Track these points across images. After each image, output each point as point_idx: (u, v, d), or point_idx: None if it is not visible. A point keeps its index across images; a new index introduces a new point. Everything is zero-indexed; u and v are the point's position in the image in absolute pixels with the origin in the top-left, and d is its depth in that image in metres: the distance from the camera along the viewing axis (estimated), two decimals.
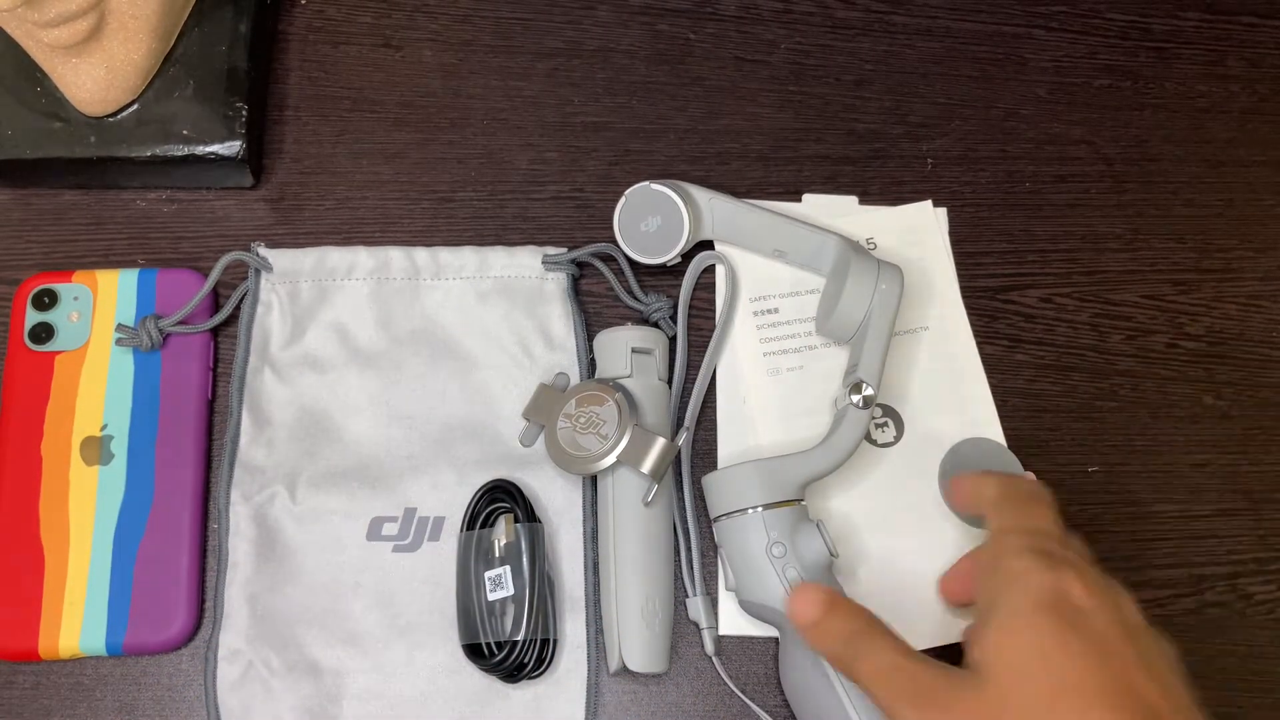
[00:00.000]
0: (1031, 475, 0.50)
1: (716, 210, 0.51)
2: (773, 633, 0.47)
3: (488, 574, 0.45)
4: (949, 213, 0.55)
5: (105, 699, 0.46)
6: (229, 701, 0.45)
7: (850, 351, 0.49)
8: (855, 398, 0.46)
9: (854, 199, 0.55)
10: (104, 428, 0.47)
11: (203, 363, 0.49)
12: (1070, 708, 0.32)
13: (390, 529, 0.47)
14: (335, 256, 0.50)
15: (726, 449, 0.50)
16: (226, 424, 0.48)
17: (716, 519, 0.46)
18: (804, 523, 0.44)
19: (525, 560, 0.45)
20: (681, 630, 0.48)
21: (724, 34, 0.58)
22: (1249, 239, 0.56)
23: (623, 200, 0.50)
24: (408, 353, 0.50)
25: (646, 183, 0.50)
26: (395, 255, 0.50)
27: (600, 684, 0.46)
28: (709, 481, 0.46)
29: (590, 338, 0.50)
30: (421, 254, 0.50)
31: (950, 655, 0.47)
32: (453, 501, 0.47)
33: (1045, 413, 0.52)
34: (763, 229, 0.51)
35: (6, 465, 0.47)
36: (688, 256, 0.52)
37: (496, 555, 0.45)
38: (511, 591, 0.45)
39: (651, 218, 0.49)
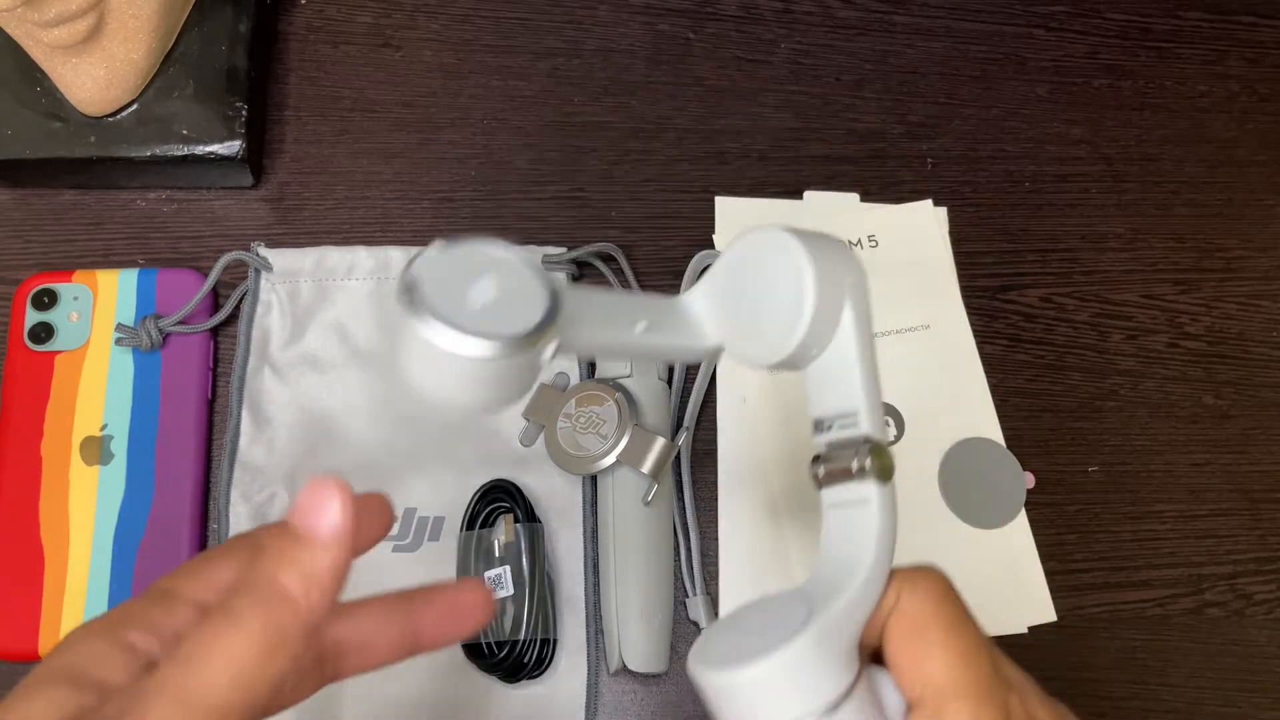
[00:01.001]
0: (1030, 476, 0.50)
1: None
2: None
3: (487, 574, 0.45)
4: (949, 212, 0.55)
5: None
6: None
7: (813, 387, 0.30)
8: (866, 463, 0.28)
9: (855, 196, 0.55)
10: (104, 427, 0.47)
11: (202, 362, 0.49)
12: None
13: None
14: (335, 256, 0.50)
15: (726, 449, 0.50)
16: (226, 424, 0.48)
17: None
18: (870, 708, 0.27)
19: (525, 560, 0.45)
20: (681, 630, 0.48)
21: (724, 33, 0.58)
22: (1249, 238, 0.56)
23: (420, 261, 0.25)
24: None
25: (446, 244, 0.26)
26: (395, 255, 0.50)
27: (600, 684, 0.46)
28: (716, 685, 0.26)
29: None
30: None
31: None
32: (452, 501, 0.47)
33: (1045, 412, 0.52)
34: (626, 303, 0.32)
35: (6, 465, 0.47)
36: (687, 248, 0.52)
37: (496, 555, 0.45)
38: (511, 591, 0.45)
39: (482, 280, 0.26)
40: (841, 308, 0.29)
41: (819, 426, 0.30)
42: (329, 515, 0.23)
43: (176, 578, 0.26)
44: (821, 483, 0.29)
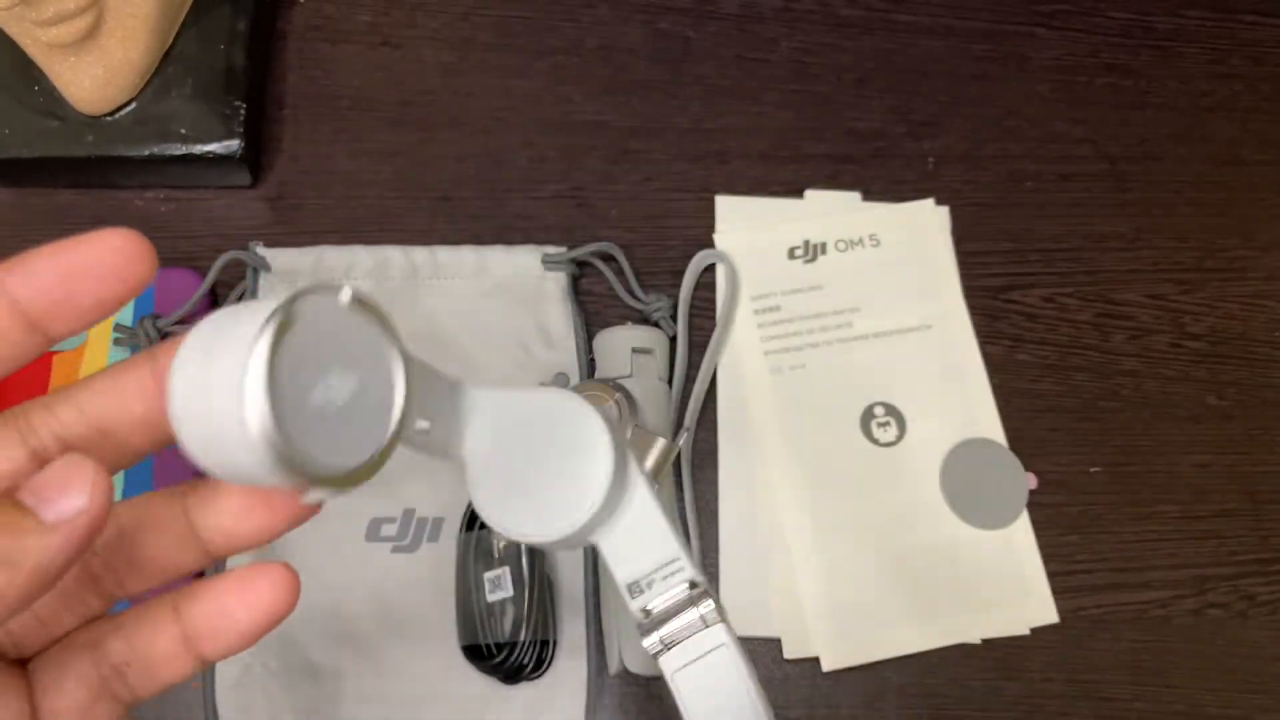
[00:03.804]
0: (1033, 477, 0.50)
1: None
2: (774, 634, 0.47)
3: (487, 575, 0.45)
4: (951, 211, 0.55)
5: None
6: (227, 702, 0.44)
7: (614, 552, 0.27)
8: (709, 610, 0.28)
9: (857, 195, 0.54)
10: None
11: None
12: None
13: (389, 530, 0.47)
14: (334, 256, 0.50)
15: (727, 449, 0.50)
16: None
17: None
18: None
19: (524, 561, 0.45)
20: None
21: (725, 32, 0.57)
22: (1252, 238, 0.56)
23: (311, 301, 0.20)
24: None
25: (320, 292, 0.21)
26: (394, 255, 0.50)
27: (600, 685, 0.46)
28: None
29: (590, 337, 0.50)
30: (420, 253, 0.50)
31: (953, 656, 0.47)
32: (451, 502, 0.47)
33: (1047, 413, 0.52)
34: None
35: None
36: (688, 257, 0.51)
37: (496, 556, 0.45)
38: (511, 593, 0.44)
39: (334, 377, 0.21)
40: (629, 470, 0.26)
41: (634, 590, 0.27)
42: (65, 503, 0.18)
43: None
44: (666, 648, 0.27)
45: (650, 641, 0.27)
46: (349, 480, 0.20)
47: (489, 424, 0.26)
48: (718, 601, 0.27)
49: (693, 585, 0.27)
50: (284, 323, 0.19)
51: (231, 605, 0.23)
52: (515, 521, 0.25)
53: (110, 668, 0.22)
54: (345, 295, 0.21)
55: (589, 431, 0.26)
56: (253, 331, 0.18)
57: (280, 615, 0.24)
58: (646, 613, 0.27)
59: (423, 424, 0.23)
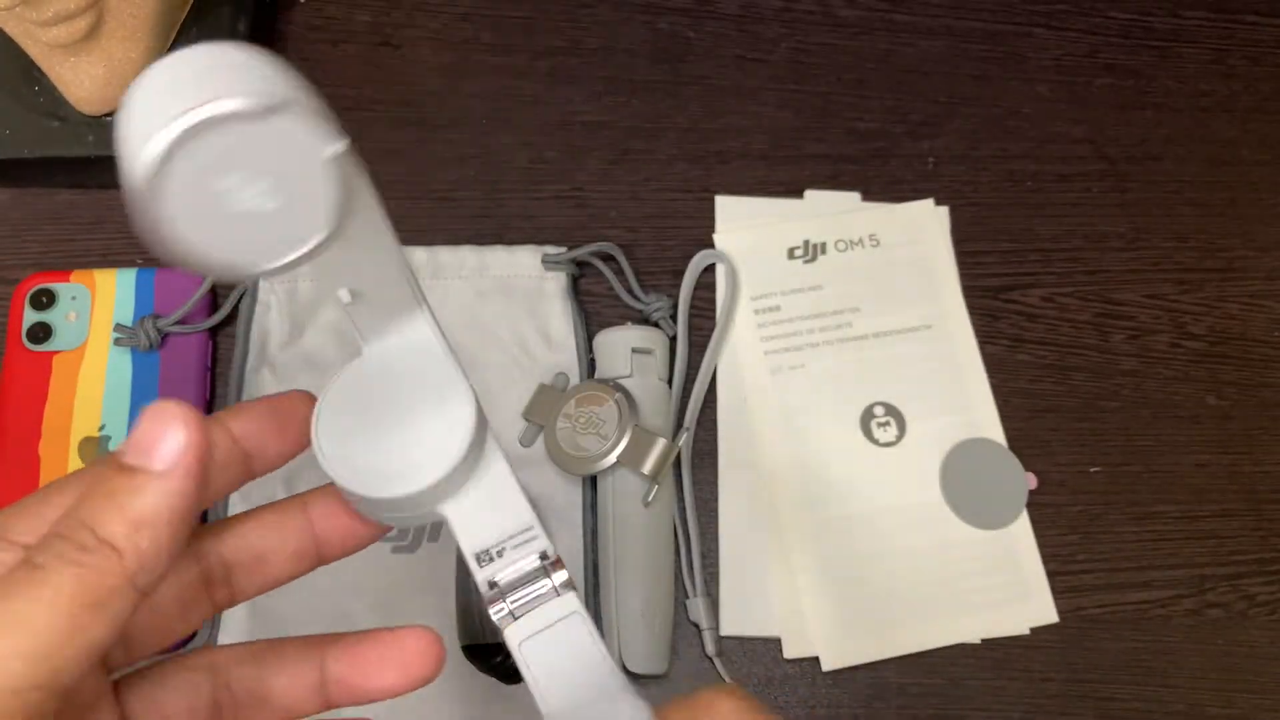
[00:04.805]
0: (1032, 477, 0.50)
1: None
2: (774, 634, 0.47)
3: None
4: (950, 211, 0.55)
5: None
6: None
7: (465, 520, 0.27)
8: (560, 580, 0.26)
9: (856, 195, 0.55)
10: (102, 428, 0.47)
11: (201, 363, 0.49)
12: None
13: None
14: None
15: (727, 449, 0.50)
16: None
17: None
18: None
19: None
20: (681, 631, 0.47)
21: (724, 32, 0.57)
22: (1252, 238, 0.56)
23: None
24: None
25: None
26: None
27: None
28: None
29: (590, 337, 0.50)
30: (420, 253, 0.50)
31: (953, 656, 0.47)
32: None
33: (1047, 412, 0.52)
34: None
35: (4, 466, 0.47)
36: (687, 260, 0.51)
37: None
38: None
39: (249, 175, 0.18)
40: (488, 442, 0.27)
41: (483, 559, 0.27)
42: (168, 445, 0.19)
43: (6, 516, 0.22)
44: (514, 618, 0.26)
45: (498, 609, 0.26)
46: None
47: (375, 354, 0.27)
48: (567, 570, 0.27)
49: (544, 556, 0.26)
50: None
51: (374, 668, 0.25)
52: (352, 470, 0.25)
53: (227, 692, 0.24)
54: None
55: (454, 394, 0.26)
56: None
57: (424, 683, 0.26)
58: (493, 584, 0.26)
59: (346, 296, 0.25)
